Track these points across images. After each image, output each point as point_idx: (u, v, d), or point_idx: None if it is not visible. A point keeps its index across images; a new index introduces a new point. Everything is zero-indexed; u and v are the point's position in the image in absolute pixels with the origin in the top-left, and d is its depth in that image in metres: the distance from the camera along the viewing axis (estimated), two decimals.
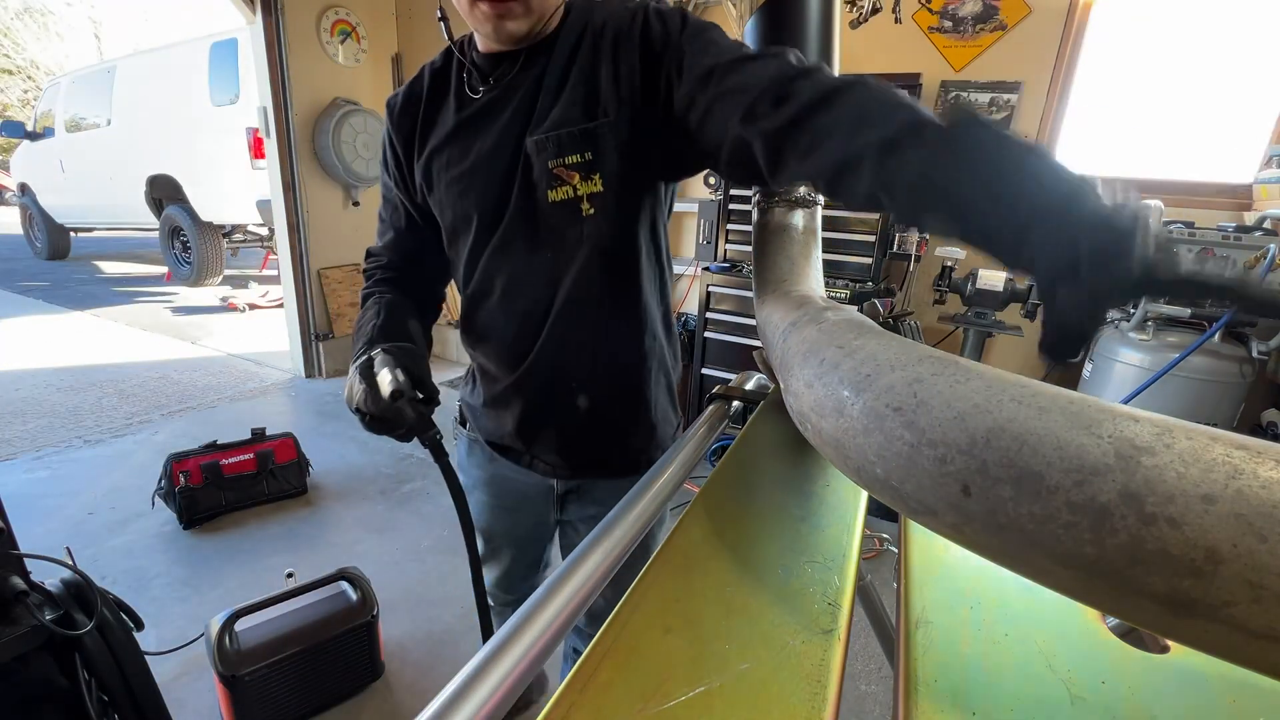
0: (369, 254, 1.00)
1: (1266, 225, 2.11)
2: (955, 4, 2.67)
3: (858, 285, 2.68)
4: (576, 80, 0.77)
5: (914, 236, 2.69)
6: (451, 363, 4.47)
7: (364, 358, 0.81)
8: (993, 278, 2.49)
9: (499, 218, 0.82)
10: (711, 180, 3.22)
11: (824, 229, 0.82)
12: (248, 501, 2.49)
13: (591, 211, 0.79)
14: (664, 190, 0.89)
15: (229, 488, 2.44)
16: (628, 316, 0.89)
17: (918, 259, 2.74)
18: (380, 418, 0.78)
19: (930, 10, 2.72)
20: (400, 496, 2.67)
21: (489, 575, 1.21)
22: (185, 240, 6.26)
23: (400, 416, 0.77)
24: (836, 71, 0.79)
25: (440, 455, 0.84)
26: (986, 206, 0.42)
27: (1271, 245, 1.94)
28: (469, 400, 1.03)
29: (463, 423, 1.07)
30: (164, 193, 6.04)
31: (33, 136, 7.25)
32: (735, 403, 0.87)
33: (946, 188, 0.44)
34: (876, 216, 2.64)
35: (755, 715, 0.34)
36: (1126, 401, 2.03)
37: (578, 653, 1.21)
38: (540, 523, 1.08)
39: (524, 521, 1.09)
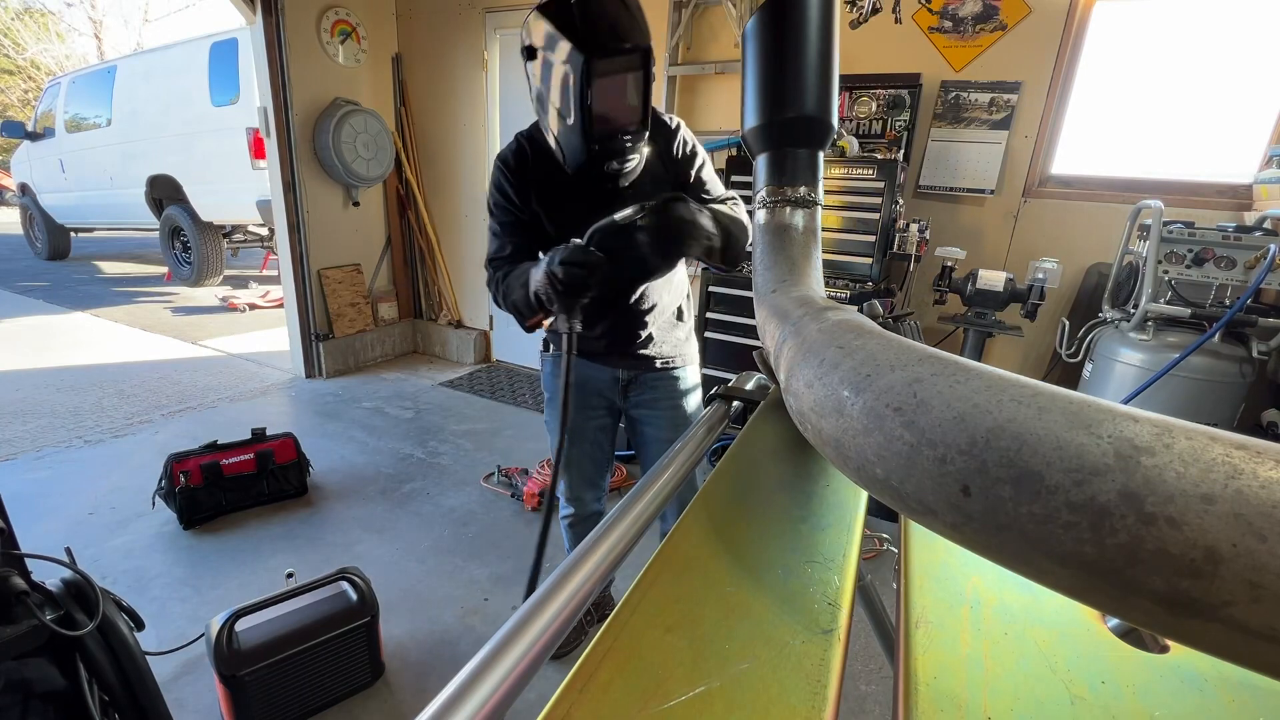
0: (493, 262, 1.38)
1: (1266, 225, 2.11)
2: (955, 4, 2.67)
3: (858, 285, 2.68)
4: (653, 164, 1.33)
5: (914, 236, 2.69)
6: (451, 363, 4.47)
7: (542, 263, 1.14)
8: (993, 278, 2.49)
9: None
10: None
11: (824, 229, 0.82)
12: (248, 502, 2.49)
13: None
14: None
15: (229, 488, 2.44)
16: (675, 279, 1.48)
17: (918, 259, 2.74)
18: (579, 263, 1.05)
19: (930, 10, 2.72)
20: (400, 496, 2.67)
21: (563, 480, 1.64)
22: (185, 240, 6.26)
23: (593, 256, 1.05)
24: (837, 72, 0.79)
25: (571, 330, 1.12)
26: None
27: (1272, 245, 1.94)
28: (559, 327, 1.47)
29: (547, 347, 1.55)
30: (164, 193, 6.05)
31: (33, 136, 7.25)
32: (735, 403, 0.87)
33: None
34: (877, 216, 2.64)
35: (755, 715, 0.34)
36: (1126, 401, 2.03)
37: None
38: (611, 409, 1.56)
39: (600, 409, 1.55)
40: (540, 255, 1.32)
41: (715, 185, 1.40)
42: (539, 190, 1.32)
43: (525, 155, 1.32)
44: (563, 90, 1.11)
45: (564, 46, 1.06)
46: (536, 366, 4.33)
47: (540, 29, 1.10)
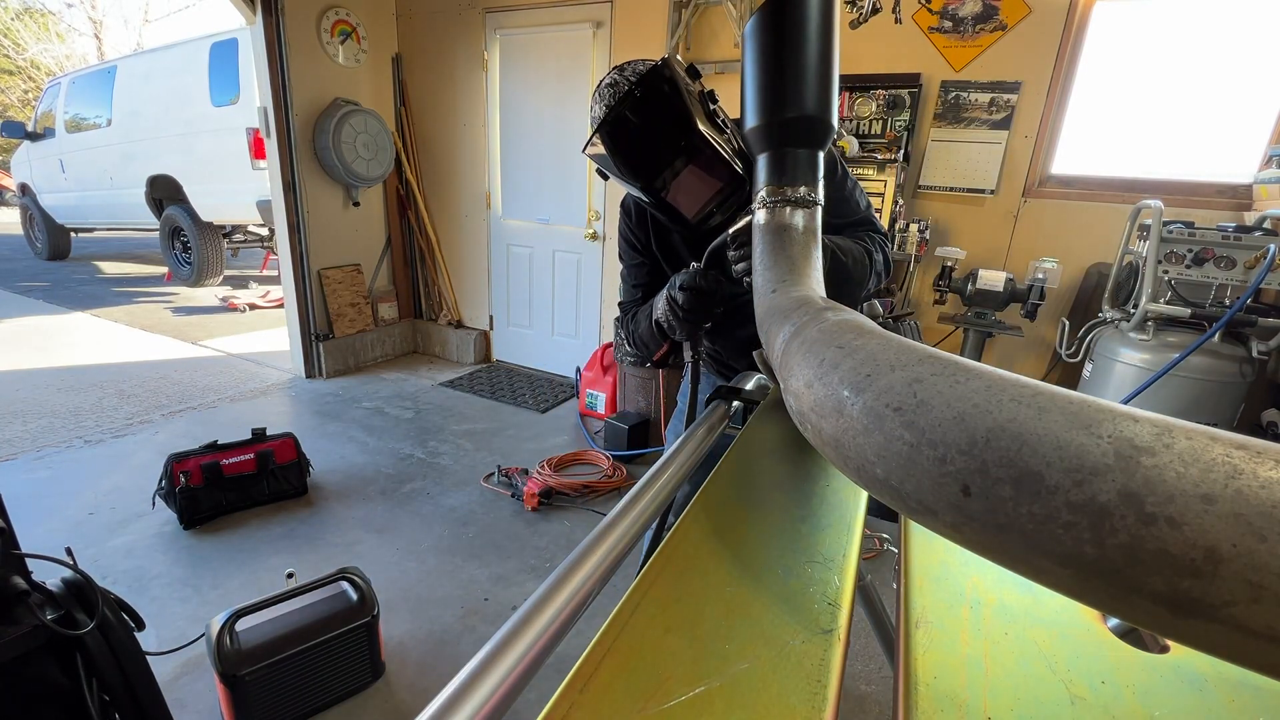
0: (623, 306, 1.38)
1: (1266, 225, 2.11)
2: (955, 4, 2.67)
3: None
4: None
5: (914, 236, 2.69)
6: (452, 363, 4.47)
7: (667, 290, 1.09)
8: (993, 278, 2.49)
9: None
10: None
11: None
12: (248, 502, 2.49)
13: None
14: None
15: (229, 488, 2.44)
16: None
17: (918, 259, 2.74)
18: (697, 287, 1.01)
19: (930, 10, 2.72)
20: (400, 496, 2.67)
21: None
22: (185, 240, 6.26)
23: (718, 283, 1.01)
24: (836, 72, 0.79)
25: (696, 357, 1.12)
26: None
27: (1271, 245, 1.94)
28: (685, 355, 1.36)
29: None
30: (164, 193, 6.05)
31: (33, 137, 7.25)
32: (735, 403, 0.87)
33: None
34: (876, 215, 2.65)
35: (755, 715, 0.34)
36: (1126, 401, 2.03)
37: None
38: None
39: None
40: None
41: (848, 207, 1.21)
42: (656, 233, 1.30)
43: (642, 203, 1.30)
44: (648, 201, 1.09)
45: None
46: (536, 366, 4.34)
47: (601, 160, 1.07)
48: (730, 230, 0.96)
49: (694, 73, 1.04)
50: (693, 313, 1.03)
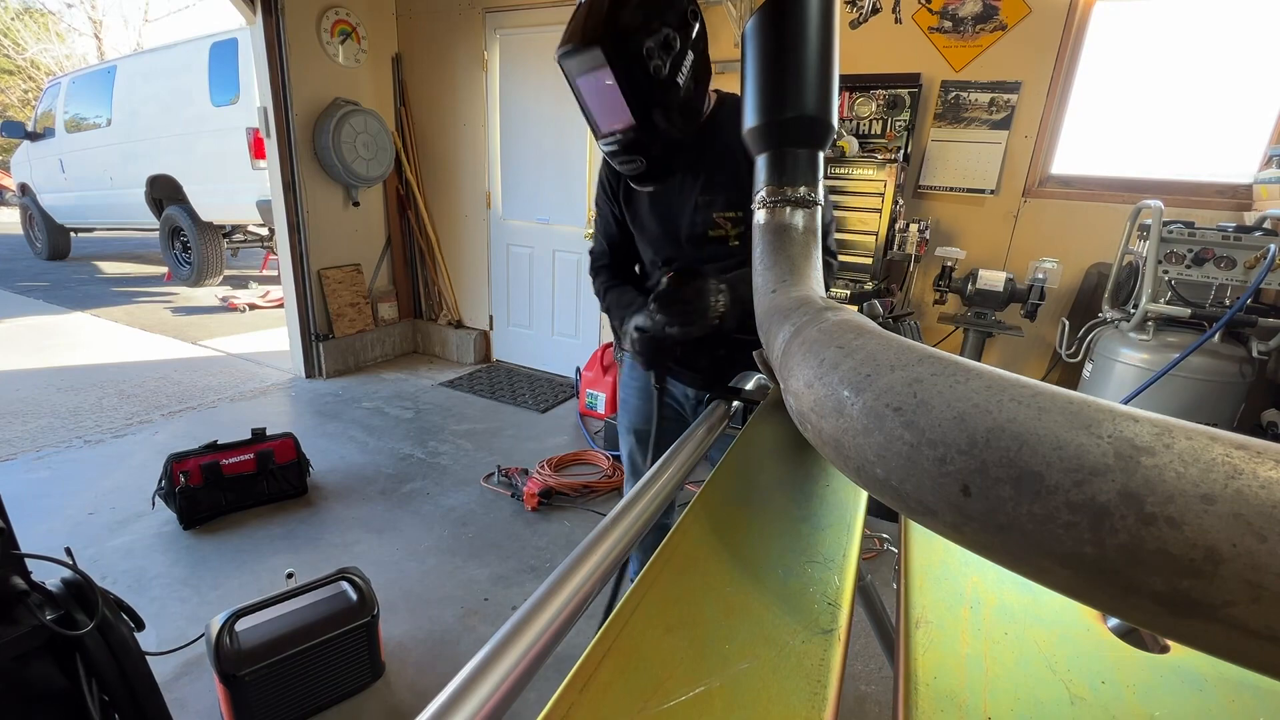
0: (593, 254, 1.44)
1: (1266, 225, 2.11)
2: (955, 4, 2.67)
3: (858, 285, 2.68)
4: (735, 160, 1.13)
5: (914, 236, 2.69)
6: (452, 363, 4.47)
7: (639, 309, 1.18)
8: (993, 278, 2.49)
9: (678, 239, 1.26)
10: None
11: None
12: (248, 502, 2.49)
13: (737, 243, 1.22)
14: None
15: (229, 488, 2.44)
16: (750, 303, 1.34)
17: (918, 259, 2.74)
18: (648, 333, 1.09)
19: (930, 10, 2.72)
20: (400, 496, 2.67)
21: (629, 487, 1.54)
22: (185, 240, 6.26)
23: (658, 328, 1.05)
24: (837, 72, 0.79)
25: (662, 382, 1.18)
26: None
27: (1272, 245, 1.94)
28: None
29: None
30: (164, 193, 6.05)
31: (33, 137, 7.25)
32: (735, 403, 0.87)
33: None
34: (877, 215, 2.65)
35: (755, 715, 0.34)
36: (1126, 401, 2.03)
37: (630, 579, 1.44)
38: (679, 418, 1.47)
39: (670, 418, 1.46)
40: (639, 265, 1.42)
41: None
42: (625, 187, 1.32)
43: None
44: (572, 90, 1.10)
45: None
46: (536, 366, 4.34)
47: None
48: (663, 281, 1.03)
49: (694, 13, 1.06)
50: (645, 356, 1.13)
